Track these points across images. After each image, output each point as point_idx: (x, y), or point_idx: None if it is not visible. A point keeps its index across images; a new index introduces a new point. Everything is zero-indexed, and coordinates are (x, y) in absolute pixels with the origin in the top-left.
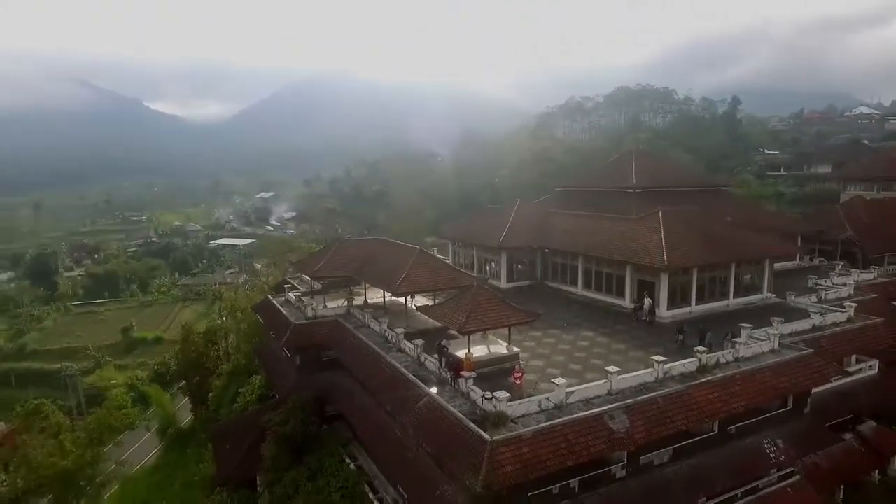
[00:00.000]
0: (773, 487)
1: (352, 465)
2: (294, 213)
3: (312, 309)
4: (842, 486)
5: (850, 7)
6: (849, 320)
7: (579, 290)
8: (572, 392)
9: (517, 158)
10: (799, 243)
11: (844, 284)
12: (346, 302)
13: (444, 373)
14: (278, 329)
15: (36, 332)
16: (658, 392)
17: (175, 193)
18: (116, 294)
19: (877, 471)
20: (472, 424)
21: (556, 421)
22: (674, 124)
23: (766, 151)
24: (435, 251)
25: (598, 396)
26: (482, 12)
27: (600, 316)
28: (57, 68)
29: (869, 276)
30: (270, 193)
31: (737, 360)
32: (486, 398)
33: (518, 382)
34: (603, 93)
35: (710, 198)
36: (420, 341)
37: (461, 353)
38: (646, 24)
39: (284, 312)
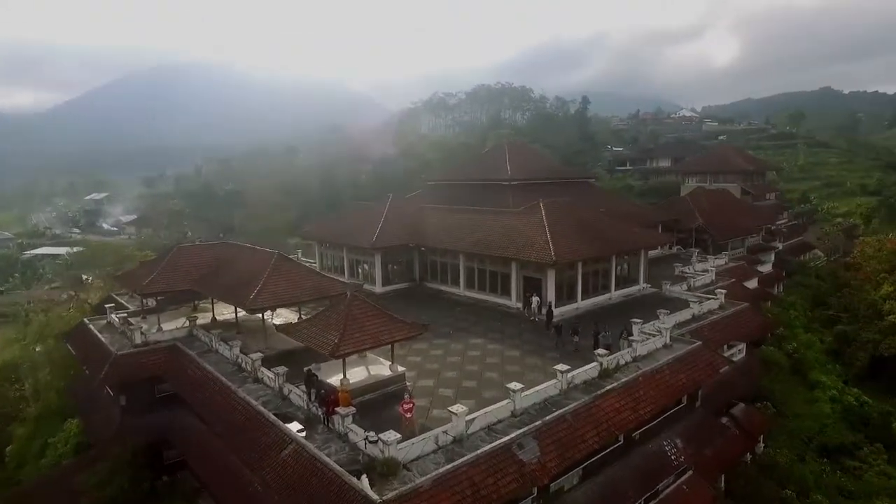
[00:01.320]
0: (671, 487)
1: None
2: (134, 216)
3: (142, 333)
4: (723, 473)
5: (668, 22)
6: (721, 307)
7: (462, 290)
8: (472, 419)
9: (381, 154)
10: (659, 232)
11: (706, 271)
12: (188, 321)
13: (314, 408)
14: (95, 362)
15: None
16: (566, 408)
17: None
18: None
19: (748, 453)
20: (353, 480)
21: (459, 462)
22: (531, 121)
23: (613, 148)
24: (299, 254)
25: (501, 420)
26: (345, 8)
27: (487, 318)
28: None
29: (721, 261)
30: (103, 194)
31: (635, 359)
32: (369, 440)
33: (409, 416)
34: (465, 90)
35: (580, 190)
36: (282, 369)
37: (335, 380)
38: (501, 28)
39: (103, 340)
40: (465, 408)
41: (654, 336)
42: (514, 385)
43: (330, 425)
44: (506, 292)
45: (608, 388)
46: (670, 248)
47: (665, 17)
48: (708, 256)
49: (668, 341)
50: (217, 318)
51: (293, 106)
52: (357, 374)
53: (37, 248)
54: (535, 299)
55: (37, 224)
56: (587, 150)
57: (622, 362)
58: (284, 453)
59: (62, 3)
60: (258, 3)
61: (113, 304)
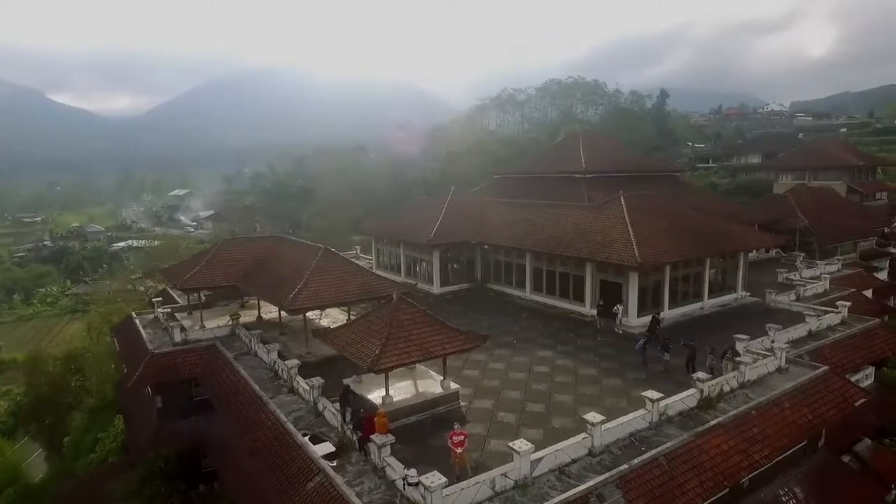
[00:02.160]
0: None
1: None
2: (211, 212)
3: (182, 331)
4: None
5: (757, 11)
6: (843, 322)
7: (528, 293)
8: (539, 459)
9: (449, 151)
10: (763, 232)
11: (817, 278)
12: (231, 320)
13: (348, 430)
14: (133, 360)
15: None
16: (659, 448)
17: (81, 192)
18: None
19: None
20: None
21: None
22: (605, 117)
23: (694, 145)
24: (357, 251)
25: (576, 461)
26: (412, 10)
27: (557, 327)
28: None
29: (833, 267)
30: (185, 191)
31: (742, 385)
32: (408, 482)
33: (459, 451)
34: (535, 85)
35: (664, 185)
36: (317, 380)
37: (377, 396)
38: (574, 24)
39: (144, 337)
40: (529, 445)
41: (764, 357)
42: (593, 416)
43: (367, 454)
44: (578, 298)
45: (712, 422)
46: (767, 251)
47: (754, 6)
48: (816, 262)
49: (782, 364)
50: (263, 316)
51: (362, 106)
52: (402, 391)
53: (123, 241)
54: (619, 307)
55: (125, 218)
56: (665, 147)
57: (726, 389)
58: (310, 486)
59: (153, 14)
60: (330, 9)
61: (161, 299)
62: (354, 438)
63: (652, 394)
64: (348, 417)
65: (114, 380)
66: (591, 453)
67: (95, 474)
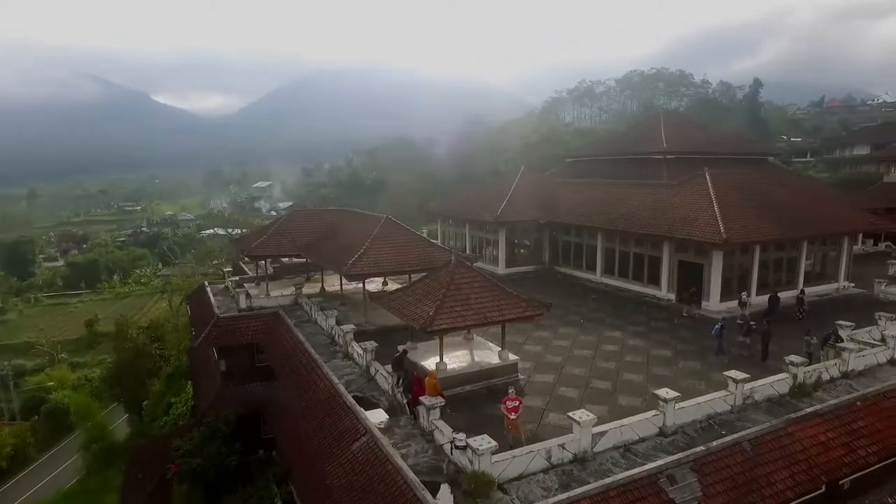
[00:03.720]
0: None
1: None
2: (290, 203)
3: (247, 298)
4: None
5: None
6: None
7: (598, 276)
8: (603, 434)
9: (522, 142)
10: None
11: None
12: (296, 289)
13: (398, 394)
14: (201, 323)
15: None
16: (743, 433)
17: (176, 185)
18: (95, 285)
19: None
20: (426, 496)
21: (579, 492)
22: (691, 108)
23: (791, 139)
24: (424, 233)
25: (645, 440)
26: (487, 5)
27: (629, 310)
28: (68, 61)
29: None
30: (267, 183)
31: (845, 375)
32: (456, 445)
33: (512, 417)
34: (615, 77)
35: (755, 169)
36: (371, 344)
37: (431, 363)
38: (656, 15)
39: (212, 303)
40: (591, 416)
41: (873, 346)
42: (666, 392)
43: (415, 418)
44: (654, 280)
45: (808, 410)
46: (875, 244)
47: None
48: None
49: (895, 355)
50: (326, 289)
51: (435, 102)
52: (458, 359)
53: (210, 228)
54: (744, 295)
55: (213, 208)
56: (758, 139)
57: (825, 377)
58: (355, 446)
59: (240, 17)
60: (406, 6)
61: (230, 270)
62: (404, 402)
63: (735, 374)
64: (399, 380)
65: (188, 349)
66: (662, 433)
67: (166, 434)
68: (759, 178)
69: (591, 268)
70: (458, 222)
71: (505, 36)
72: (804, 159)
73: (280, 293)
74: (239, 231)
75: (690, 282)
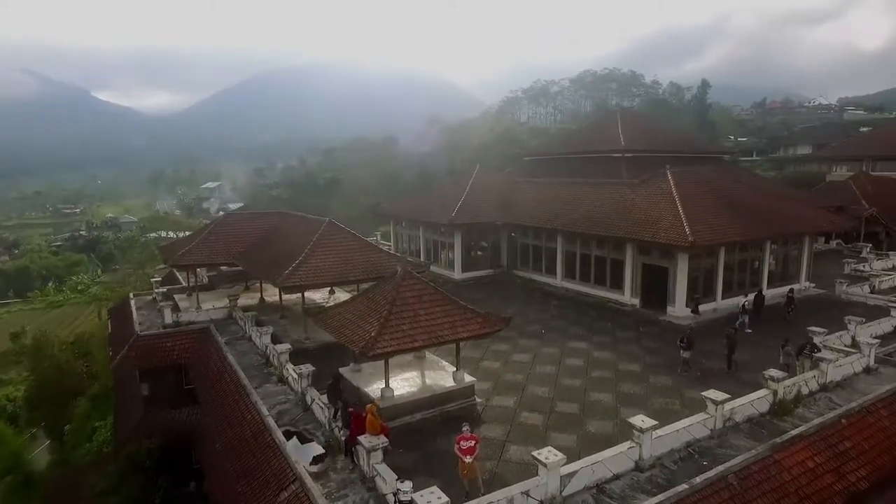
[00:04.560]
0: None
1: None
2: (241, 204)
3: (174, 312)
4: None
5: (802, 2)
6: None
7: (559, 280)
8: (573, 474)
9: (479, 141)
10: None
11: (892, 269)
12: (230, 301)
13: (336, 428)
14: (121, 341)
15: None
16: (728, 464)
17: (120, 186)
18: (26, 293)
19: None
20: None
21: None
22: (642, 108)
23: (737, 139)
24: (378, 237)
25: (619, 476)
26: (442, 6)
27: (592, 317)
28: (2, 55)
29: None
30: (217, 183)
31: (823, 388)
32: (400, 499)
33: (468, 460)
34: (569, 77)
35: (712, 168)
36: (307, 367)
37: (376, 389)
38: (605, 18)
39: (134, 318)
40: (559, 455)
41: (848, 355)
42: (641, 420)
43: (354, 459)
44: (617, 285)
45: (794, 432)
46: (827, 242)
47: None
48: (888, 253)
49: (871, 363)
50: (266, 299)
51: (392, 100)
52: (407, 383)
53: (156, 231)
54: (746, 301)
55: (158, 210)
56: (708, 140)
57: (804, 391)
58: (283, 496)
59: (189, 10)
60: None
61: (159, 279)
62: (342, 439)
63: (715, 394)
64: (337, 412)
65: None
66: (638, 467)
67: (87, 465)
68: (719, 177)
69: (552, 271)
70: (412, 224)
71: (464, 36)
72: (751, 158)
73: (212, 306)
74: (186, 234)
75: (655, 286)
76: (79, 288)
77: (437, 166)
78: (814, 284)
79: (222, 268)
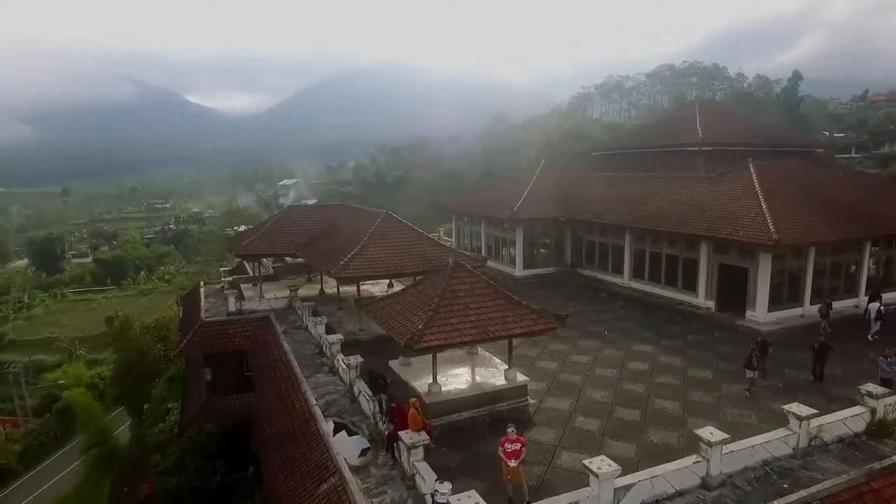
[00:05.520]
0: None
1: None
2: (315, 200)
3: (238, 300)
4: None
5: None
6: None
7: (626, 280)
8: (629, 487)
9: (545, 138)
10: None
11: None
12: (291, 291)
13: (380, 423)
14: (188, 327)
15: (22, 321)
16: (814, 489)
17: (204, 183)
18: (121, 281)
19: None
20: None
21: None
22: (725, 102)
23: (834, 134)
24: (440, 233)
25: (683, 493)
26: (511, 2)
27: (661, 319)
28: (107, 62)
29: None
30: (293, 181)
31: None
32: (437, 500)
33: (512, 464)
34: (644, 72)
35: (803, 162)
36: (356, 359)
37: (423, 384)
38: (686, 12)
39: (202, 304)
40: (614, 466)
41: None
42: (710, 433)
43: (395, 455)
44: (690, 286)
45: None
46: None
47: None
48: None
49: None
50: (326, 290)
51: (459, 99)
52: (456, 380)
53: (235, 225)
54: (873, 306)
55: (238, 205)
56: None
57: None
58: (322, 488)
59: (266, 17)
60: (431, 5)
61: (228, 269)
62: (385, 434)
63: (799, 408)
64: (381, 406)
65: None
66: (705, 484)
67: (156, 445)
68: (810, 172)
69: (619, 270)
70: (473, 220)
71: (528, 32)
72: (848, 155)
73: (274, 295)
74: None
75: (733, 288)
76: (165, 277)
77: (501, 164)
78: None
79: (287, 259)
